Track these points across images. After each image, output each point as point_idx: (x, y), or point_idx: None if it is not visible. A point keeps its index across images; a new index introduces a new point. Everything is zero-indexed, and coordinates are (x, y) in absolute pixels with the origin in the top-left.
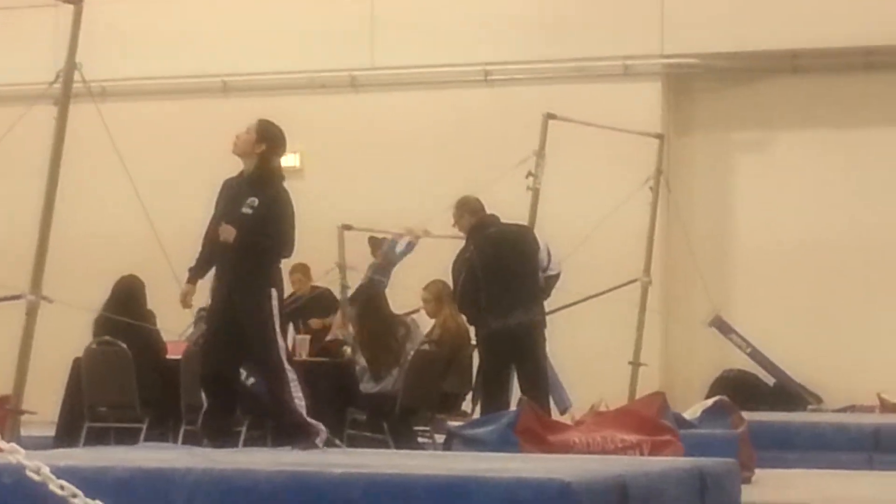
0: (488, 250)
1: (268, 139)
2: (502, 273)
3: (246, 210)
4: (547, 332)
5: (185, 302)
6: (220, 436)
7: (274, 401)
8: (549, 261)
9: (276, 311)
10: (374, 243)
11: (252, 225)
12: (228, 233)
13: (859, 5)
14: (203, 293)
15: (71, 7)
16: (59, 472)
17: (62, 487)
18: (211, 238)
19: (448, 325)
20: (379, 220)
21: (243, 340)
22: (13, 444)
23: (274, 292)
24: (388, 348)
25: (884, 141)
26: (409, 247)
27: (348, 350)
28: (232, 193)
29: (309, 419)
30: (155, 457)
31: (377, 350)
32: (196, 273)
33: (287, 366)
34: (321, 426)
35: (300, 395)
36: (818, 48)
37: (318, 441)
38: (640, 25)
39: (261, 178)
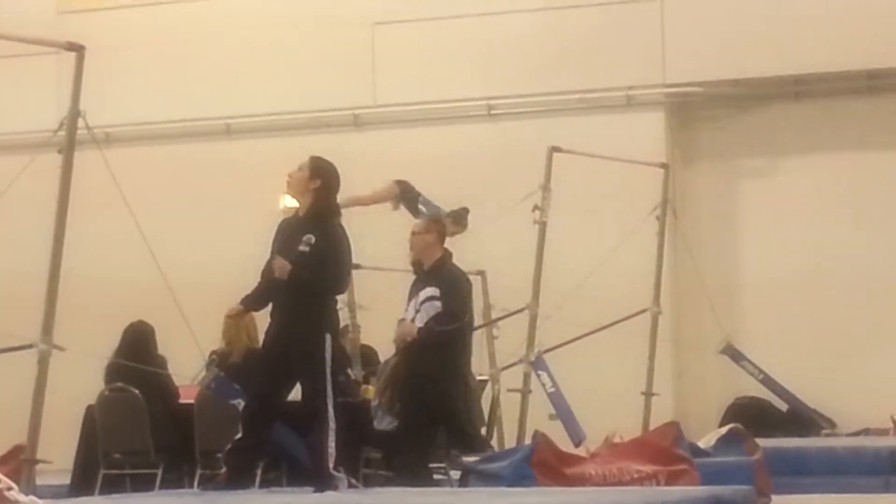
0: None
1: (322, 175)
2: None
3: (303, 248)
4: (542, 369)
5: (229, 316)
6: (240, 473)
7: (310, 444)
8: None
9: (328, 357)
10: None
11: (308, 262)
12: (282, 268)
13: (861, 29)
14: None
15: (73, 54)
16: None
17: None
18: (267, 277)
19: None
20: (386, 258)
21: (291, 382)
22: (32, 497)
23: (328, 338)
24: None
25: (889, 164)
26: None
27: (369, 390)
28: (288, 232)
29: (332, 471)
30: (172, 503)
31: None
32: (249, 302)
33: (331, 413)
34: (343, 478)
35: (333, 445)
36: (820, 73)
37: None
38: (641, 55)
39: (317, 215)
